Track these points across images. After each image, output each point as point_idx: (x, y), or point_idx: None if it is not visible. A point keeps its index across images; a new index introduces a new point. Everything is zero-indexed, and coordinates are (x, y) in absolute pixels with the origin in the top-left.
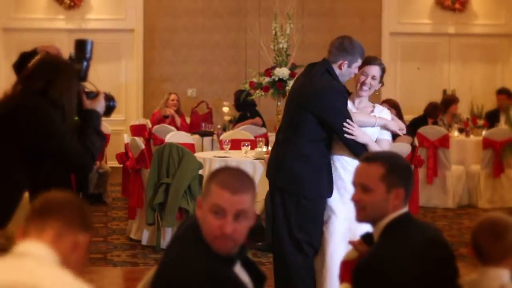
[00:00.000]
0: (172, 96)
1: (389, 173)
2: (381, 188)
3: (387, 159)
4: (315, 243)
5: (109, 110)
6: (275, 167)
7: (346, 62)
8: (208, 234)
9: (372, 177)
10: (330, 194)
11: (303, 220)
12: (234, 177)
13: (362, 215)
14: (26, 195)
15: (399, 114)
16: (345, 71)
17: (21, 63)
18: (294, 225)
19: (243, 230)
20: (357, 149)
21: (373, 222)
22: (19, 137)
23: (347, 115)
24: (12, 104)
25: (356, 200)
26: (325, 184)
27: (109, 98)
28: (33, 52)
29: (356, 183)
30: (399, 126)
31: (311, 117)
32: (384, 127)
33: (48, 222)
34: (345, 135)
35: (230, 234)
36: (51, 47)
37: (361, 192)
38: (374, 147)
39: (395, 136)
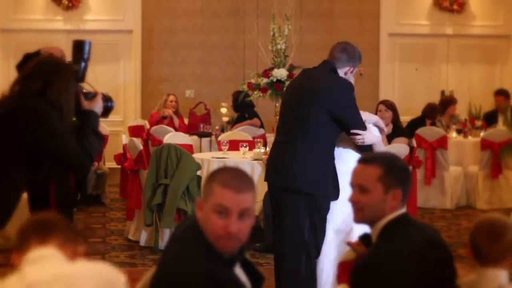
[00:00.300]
0: (171, 97)
1: (387, 174)
2: (379, 189)
3: (384, 160)
4: (320, 244)
5: (107, 110)
6: (276, 167)
7: (351, 69)
8: (211, 234)
9: (370, 178)
10: (336, 196)
11: (309, 221)
12: (235, 177)
13: (360, 216)
14: (25, 195)
15: (396, 115)
16: (349, 76)
17: (25, 64)
18: (301, 226)
19: (247, 229)
20: (363, 147)
21: (371, 223)
22: (17, 137)
23: (358, 112)
24: (10, 104)
25: (354, 201)
26: (331, 184)
27: (107, 99)
28: (37, 53)
29: (354, 184)
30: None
31: (322, 114)
32: (375, 124)
33: (49, 238)
34: (354, 132)
35: (235, 233)
36: (55, 48)
37: (359, 193)
38: (379, 146)
39: (392, 137)
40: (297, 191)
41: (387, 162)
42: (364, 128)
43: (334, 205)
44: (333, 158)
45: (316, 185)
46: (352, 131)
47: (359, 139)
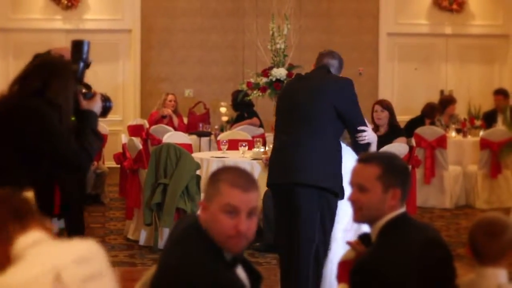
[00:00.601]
0: (170, 97)
1: (386, 173)
2: (378, 188)
3: (383, 159)
4: (328, 242)
5: (105, 110)
6: (284, 166)
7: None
8: (220, 234)
9: (369, 177)
10: (342, 195)
11: (319, 217)
12: (241, 176)
13: (359, 216)
14: (29, 195)
15: (392, 115)
16: None
17: None
18: (313, 223)
19: (254, 227)
20: (361, 145)
21: (370, 222)
22: (16, 136)
23: (360, 109)
24: (10, 104)
25: (353, 200)
26: (340, 182)
27: (105, 99)
28: (47, 54)
29: (353, 183)
30: None
31: (328, 111)
32: None
33: (28, 222)
34: (361, 128)
35: (244, 232)
36: (66, 49)
37: (358, 192)
38: (374, 146)
39: (389, 137)
40: (309, 185)
41: (386, 162)
42: (366, 125)
43: (340, 204)
44: (340, 157)
45: (328, 180)
46: (359, 128)
47: (364, 136)
